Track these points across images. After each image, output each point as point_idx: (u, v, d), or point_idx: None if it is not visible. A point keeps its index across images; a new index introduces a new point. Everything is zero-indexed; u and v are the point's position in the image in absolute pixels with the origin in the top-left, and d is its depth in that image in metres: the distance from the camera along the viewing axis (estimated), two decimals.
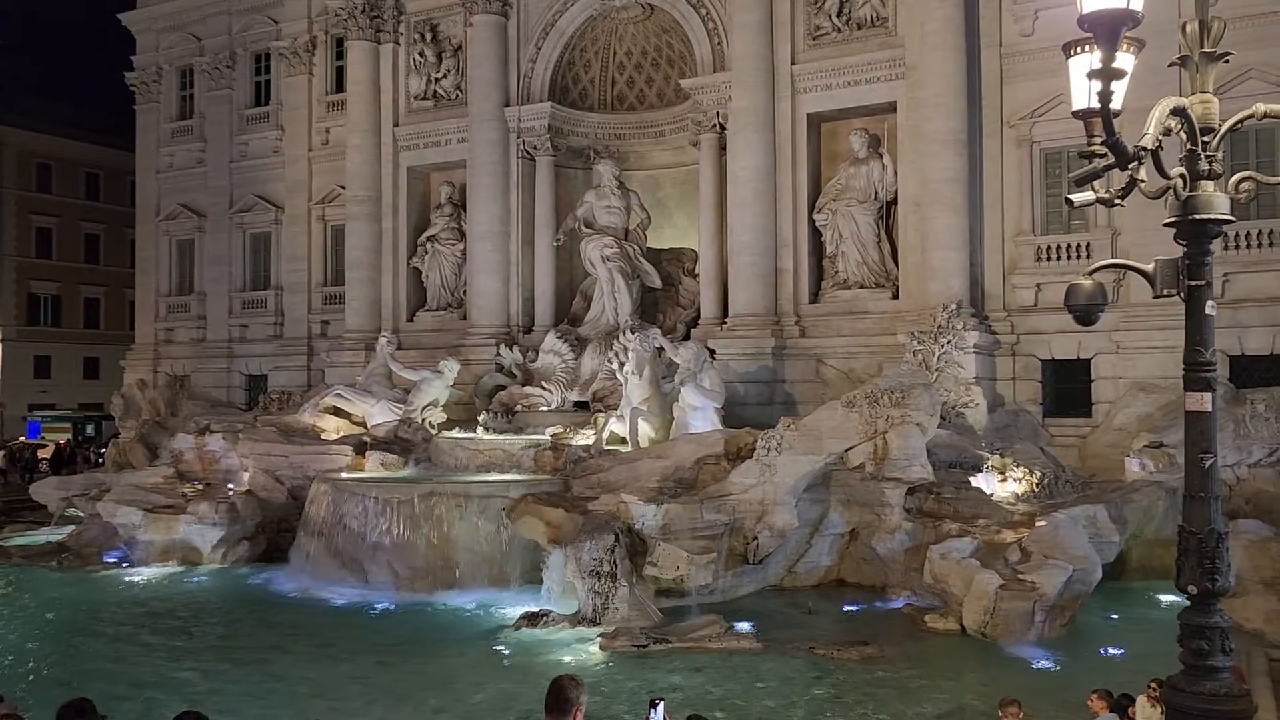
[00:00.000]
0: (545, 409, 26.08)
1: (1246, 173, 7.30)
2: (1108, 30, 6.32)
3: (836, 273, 25.61)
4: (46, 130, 56.55)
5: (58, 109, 59.60)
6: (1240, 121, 7.11)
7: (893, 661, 14.38)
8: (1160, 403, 20.72)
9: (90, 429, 50.36)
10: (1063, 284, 10.46)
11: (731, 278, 26.11)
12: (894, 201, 25.02)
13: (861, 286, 25.11)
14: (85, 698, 6.53)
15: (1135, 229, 21.23)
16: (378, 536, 19.94)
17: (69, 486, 28.41)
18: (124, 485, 25.01)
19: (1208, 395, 7.02)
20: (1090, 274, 7.31)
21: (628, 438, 22.55)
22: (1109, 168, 6.87)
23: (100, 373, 56.44)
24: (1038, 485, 19.41)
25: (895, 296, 24.63)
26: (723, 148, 26.66)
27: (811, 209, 25.75)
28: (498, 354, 28.35)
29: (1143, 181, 6.92)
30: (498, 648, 15.69)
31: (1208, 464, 6.99)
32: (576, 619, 16.47)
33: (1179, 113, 6.85)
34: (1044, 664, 14.29)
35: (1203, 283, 6.94)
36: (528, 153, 29.93)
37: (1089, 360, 23.01)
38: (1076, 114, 6.82)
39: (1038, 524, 16.77)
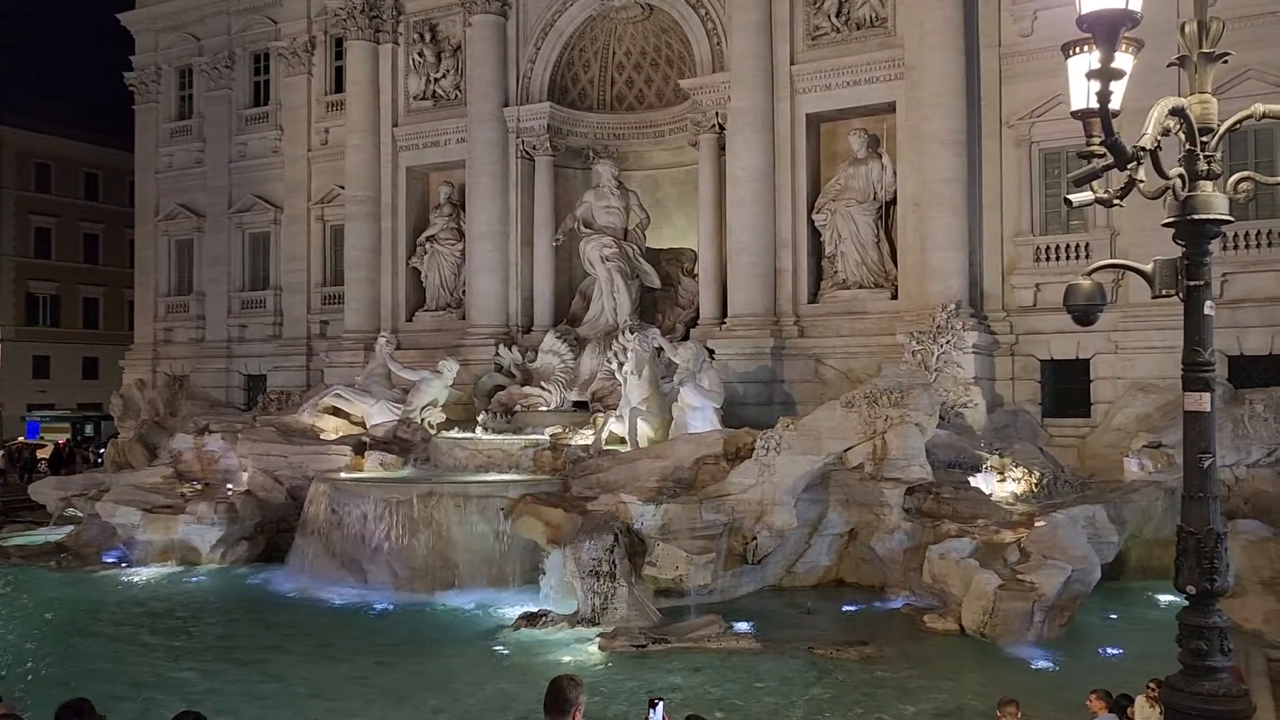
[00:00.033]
0: (544, 409, 26.08)
1: (1245, 173, 7.30)
2: (1106, 30, 6.33)
3: (835, 273, 25.61)
4: (46, 130, 56.56)
5: (57, 109, 59.61)
6: (1239, 122, 7.11)
7: (891, 661, 14.38)
8: (1159, 403, 20.70)
9: (89, 429, 50.32)
10: (1062, 284, 10.48)
11: (730, 278, 26.10)
12: (893, 202, 25.02)
13: (860, 287, 25.11)
14: (84, 698, 6.52)
15: (1134, 229, 21.24)
16: (377, 537, 19.89)
17: (68, 486, 28.37)
18: (123, 485, 24.98)
19: (1206, 395, 7.03)
20: (1089, 274, 7.32)
21: (627, 438, 22.55)
22: (1108, 168, 6.87)
23: (99, 373, 56.46)
24: (1036, 485, 19.40)
25: (894, 297, 24.63)
26: (722, 148, 26.65)
27: (810, 209, 25.74)
28: (497, 354, 28.34)
29: (1141, 182, 6.92)
30: (497, 648, 15.68)
31: (1206, 464, 7.00)
32: (575, 619, 16.46)
33: (1178, 113, 6.85)
34: (1043, 664, 14.28)
35: (1201, 283, 6.94)
36: (527, 153, 29.92)
37: (1088, 360, 23.02)
38: (1075, 114, 6.84)
39: (1037, 524, 16.77)
